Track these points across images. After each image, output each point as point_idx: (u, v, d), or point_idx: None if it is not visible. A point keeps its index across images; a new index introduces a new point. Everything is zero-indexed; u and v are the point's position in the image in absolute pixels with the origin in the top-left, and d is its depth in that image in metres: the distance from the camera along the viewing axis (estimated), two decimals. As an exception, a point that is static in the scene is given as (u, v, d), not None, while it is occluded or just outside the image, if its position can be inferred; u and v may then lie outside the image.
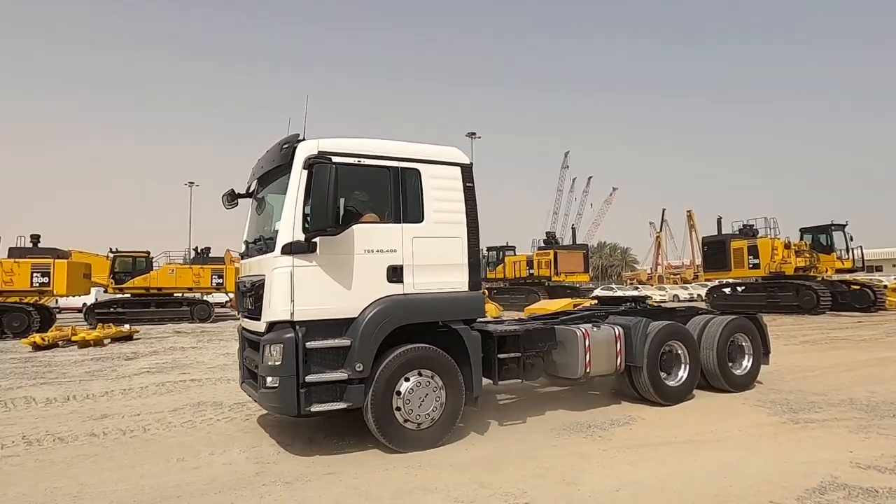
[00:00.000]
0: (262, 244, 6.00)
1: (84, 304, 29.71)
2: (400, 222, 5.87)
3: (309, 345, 5.32)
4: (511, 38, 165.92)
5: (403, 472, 5.02)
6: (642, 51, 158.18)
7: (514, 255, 37.70)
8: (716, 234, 29.84)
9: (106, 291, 28.15)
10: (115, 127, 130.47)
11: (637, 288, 49.04)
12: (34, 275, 21.18)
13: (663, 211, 76.21)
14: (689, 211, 68.79)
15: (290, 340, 5.28)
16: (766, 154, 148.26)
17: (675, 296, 44.71)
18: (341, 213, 5.68)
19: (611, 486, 4.61)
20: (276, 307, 5.39)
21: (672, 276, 65.32)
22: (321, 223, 5.29)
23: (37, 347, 15.44)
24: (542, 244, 36.83)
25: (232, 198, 6.69)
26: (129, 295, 26.55)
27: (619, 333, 7.06)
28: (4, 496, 4.63)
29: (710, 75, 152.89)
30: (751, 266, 26.78)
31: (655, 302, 10.67)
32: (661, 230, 75.17)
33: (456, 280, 6.09)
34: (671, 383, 7.35)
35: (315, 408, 5.29)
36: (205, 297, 28.48)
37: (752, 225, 28.45)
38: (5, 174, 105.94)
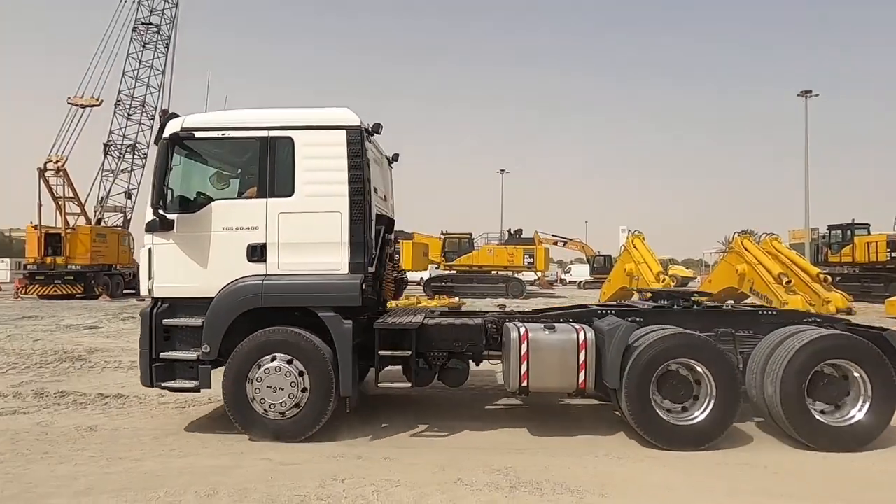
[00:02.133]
0: None
1: (421, 279, 35.02)
2: (266, 197, 5.54)
3: (166, 322, 5.47)
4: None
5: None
6: None
7: (868, 233, 30.84)
8: None
9: (438, 268, 32.78)
10: (449, 126, 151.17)
11: None
12: (389, 253, 26.16)
13: None
14: None
15: (145, 315, 5.53)
16: None
17: None
18: (193, 190, 5.83)
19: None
20: (141, 283, 5.74)
21: None
22: (154, 202, 5.41)
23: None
24: (912, 220, 29.18)
25: None
26: (454, 271, 30.40)
27: (586, 340, 5.35)
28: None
29: None
30: None
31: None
32: None
33: (331, 261, 5.46)
34: (676, 420, 5.22)
35: (166, 384, 5.47)
36: (517, 275, 30.86)
37: None
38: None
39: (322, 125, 5.66)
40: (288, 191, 5.54)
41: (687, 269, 53.56)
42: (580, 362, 5.35)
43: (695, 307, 6.16)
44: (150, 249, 5.63)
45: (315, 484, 4.36)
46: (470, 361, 6.05)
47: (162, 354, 5.49)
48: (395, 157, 7.19)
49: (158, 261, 5.61)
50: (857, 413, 5.20)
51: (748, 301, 21.51)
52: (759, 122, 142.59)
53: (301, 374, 5.26)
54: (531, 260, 30.19)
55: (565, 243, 37.99)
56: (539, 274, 34.03)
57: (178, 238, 5.58)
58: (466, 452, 5.11)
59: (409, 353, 5.54)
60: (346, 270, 5.49)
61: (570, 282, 50.52)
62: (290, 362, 5.27)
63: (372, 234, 5.76)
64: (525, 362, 5.35)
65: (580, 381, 5.35)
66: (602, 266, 38.53)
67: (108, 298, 25.50)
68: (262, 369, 5.26)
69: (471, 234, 31.44)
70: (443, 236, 31.22)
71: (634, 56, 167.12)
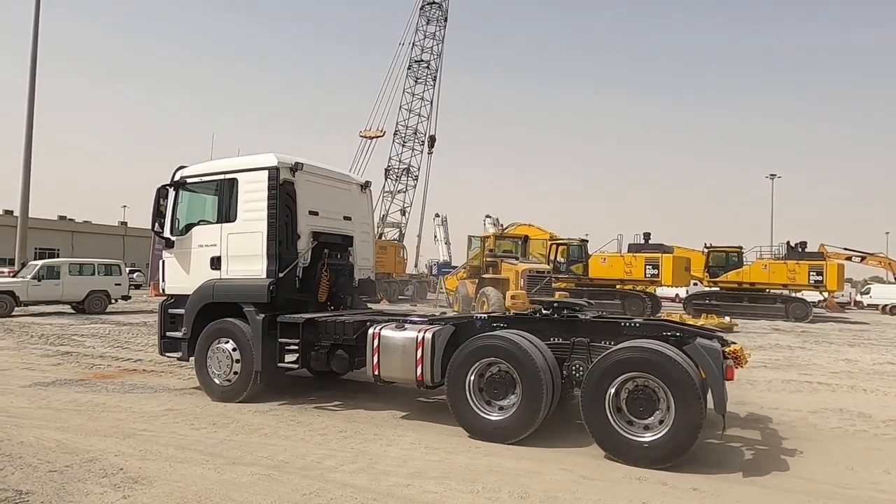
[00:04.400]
0: None
1: (676, 295, 32.62)
2: (221, 222, 7.46)
3: (170, 311, 7.80)
4: None
5: None
6: None
7: None
8: None
9: (697, 284, 30.11)
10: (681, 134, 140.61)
11: None
12: (647, 267, 24.95)
13: None
14: None
15: (160, 306, 7.97)
16: None
17: None
18: (182, 220, 7.90)
19: None
20: (159, 283, 8.06)
21: None
22: (152, 226, 7.90)
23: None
24: None
25: None
26: (719, 288, 27.47)
27: (423, 339, 6.18)
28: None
29: None
30: None
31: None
32: None
33: (255, 268, 7.11)
34: (485, 414, 5.85)
35: (170, 354, 7.83)
36: (800, 295, 26.61)
37: None
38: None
39: (254, 167, 7.36)
40: (233, 217, 7.41)
41: None
42: (417, 358, 6.15)
43: (555, 316, 6.27)
44: (163, 261, 7.98)
45: (624, 504, 4.27)
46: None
47: (167, 333, 7.82)
48: (367, 184, 8.95)
49: (167, 268, 7.93)
50: (657, 431, 5.11)
51: None
52: None
53: (235, 352, 7.10)
54: (819, 278, 25.58)
55: (863, 258, 31.40)
56: (826, 294, 28.81)
57: (177, 253, 7.87)
58: (777, 494, 4.55)
59: (297, 340, 6.89)
60: (264, 276, 7.07)
61: (867, 305, 41.63)
62: (229, 344, 7.16)
63: (298, 248, 7.38)
64: (376, 355, 6.37)
65: (418, 374, 6.16)
66: (919, 287, 31.02)
67: (387, 303, 29.19)
68: (214, 347, 7.23)
69: (741, 248, 27.95)
70: (707, 250, 28.38)
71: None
